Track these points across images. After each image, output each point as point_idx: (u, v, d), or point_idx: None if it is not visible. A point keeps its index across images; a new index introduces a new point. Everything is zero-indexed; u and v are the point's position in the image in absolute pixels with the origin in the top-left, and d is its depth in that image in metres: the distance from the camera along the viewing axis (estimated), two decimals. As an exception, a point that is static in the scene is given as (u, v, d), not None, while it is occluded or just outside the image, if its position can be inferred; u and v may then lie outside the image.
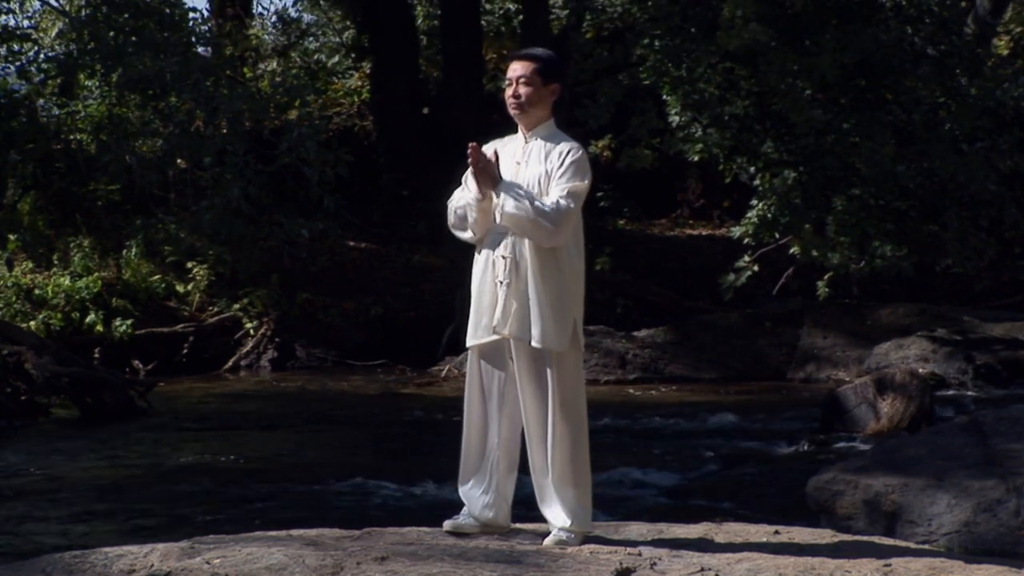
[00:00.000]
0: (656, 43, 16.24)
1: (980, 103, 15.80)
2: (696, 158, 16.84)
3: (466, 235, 5.31)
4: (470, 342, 5.28)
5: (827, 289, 16.04)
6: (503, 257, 5.18)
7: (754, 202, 16.15)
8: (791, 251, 16.33)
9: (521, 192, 5.10)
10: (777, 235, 16.08)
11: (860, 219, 15.67)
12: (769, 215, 15.80)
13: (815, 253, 15.94)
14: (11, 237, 16.53)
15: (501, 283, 5.17)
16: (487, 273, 5.22)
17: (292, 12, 23.84)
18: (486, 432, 5.28)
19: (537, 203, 5.07)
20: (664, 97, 16.58)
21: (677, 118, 16.41)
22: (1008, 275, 19.12)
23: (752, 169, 16.43)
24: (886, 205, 15.92)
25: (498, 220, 5.14)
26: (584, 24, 19.16)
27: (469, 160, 5.12)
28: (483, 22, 20.68)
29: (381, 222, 19.39)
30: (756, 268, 16.34)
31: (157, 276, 16.94)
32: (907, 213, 16.17)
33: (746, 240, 16.03)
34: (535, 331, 5.11)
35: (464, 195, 5.27)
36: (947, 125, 15.87)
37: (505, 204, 5.09)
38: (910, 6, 16.42)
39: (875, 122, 15.82)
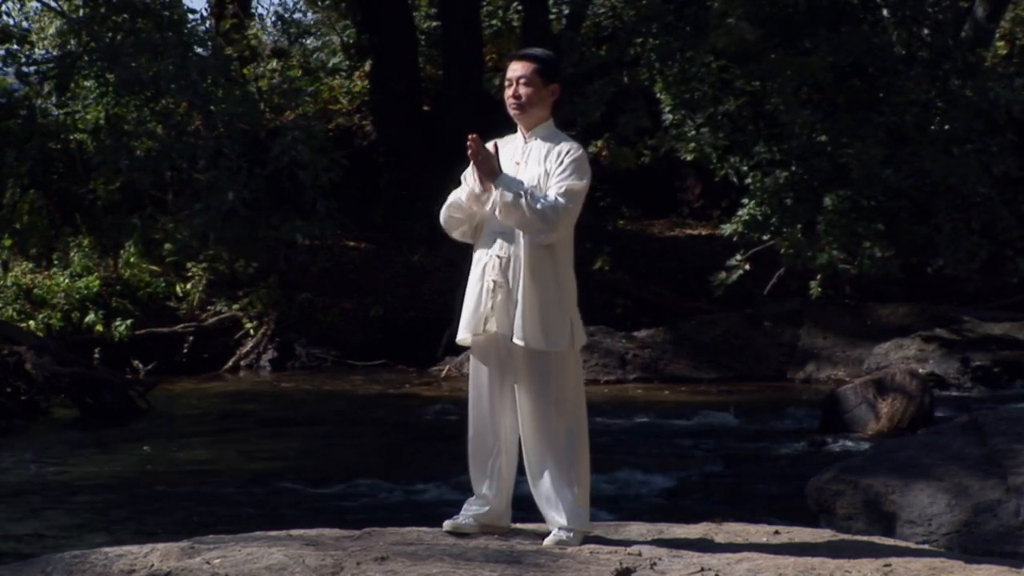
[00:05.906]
0: (650, 41, 16.24)
1: (974, 105, 15.79)
2: (690, 157, 16.84)
3: (459, 231, 5.30)
4: (459, 337, 5.26)
5: (819, 289, 16.01)
6: (498, 257, 5.16)
7: (745, 200, 16.15)
8: (781, 251, 16.32)
9: (519, 185, 5.09)
10: (766, 236, 16.04)
11: (850, 220, 15.65)
12: (760, 215, 15.80)
13: (801, 255, 15.90)
14: (6, 236, 16.53)
15: (496, 283, 5.16)
16: (482, 272, 5.21)
17: (291, 12, 23.77)
18: (486, 432, 5.28)
19: (533, 199, 5.06)
20: (658, 95, 16.58)
21: (671, 116, 16.40)
22: (1001, 278, 18.98)
23: (744, 168, 16.42)
24: (877, 206, 15.90)
25: (496, 214, 5.12)
26: (583, 24, 19.14)
27: (469, 152, 5.11)
28: (483, 22, 20.65)
29: (381, 222, 19.37)
30: (748, 267, 16.31)
31: (156, 274, 16.93)
32: (898, 214, 16.15)
33: (735, 238, 16.03)
34: (534, 332, 5.09)
35: (460, 191, 5.26)
36: (938, 126, 15.84)
37: (502, 196, 5.08)
38: (905, 7, 16.41)
39: (866, 123, 15.81)
